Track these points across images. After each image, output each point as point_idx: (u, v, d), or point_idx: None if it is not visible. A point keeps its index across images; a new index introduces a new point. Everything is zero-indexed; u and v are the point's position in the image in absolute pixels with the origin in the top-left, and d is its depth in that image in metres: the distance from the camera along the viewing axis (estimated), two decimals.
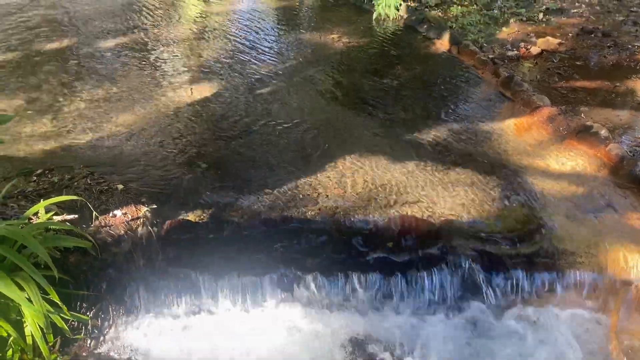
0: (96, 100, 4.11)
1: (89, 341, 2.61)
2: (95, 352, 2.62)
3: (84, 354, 2.59)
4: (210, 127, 3.80)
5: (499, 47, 5.08)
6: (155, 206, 2.84)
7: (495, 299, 2.80)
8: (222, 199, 3.02)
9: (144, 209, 2.81)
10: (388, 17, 5.98)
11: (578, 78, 4.61)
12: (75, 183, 2.93)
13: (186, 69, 4.73)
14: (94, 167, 3.15)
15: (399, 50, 5.33)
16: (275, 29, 5.83)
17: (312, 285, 2.74)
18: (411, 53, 5.29)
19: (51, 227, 2.52)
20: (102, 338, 2.65)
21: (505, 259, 2.82)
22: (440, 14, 5.87)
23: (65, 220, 2.61)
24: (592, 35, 5.33)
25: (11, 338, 2.25)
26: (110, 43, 5.20)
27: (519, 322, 2.84)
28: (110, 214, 2.76)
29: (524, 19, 5.63)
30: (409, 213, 2.95)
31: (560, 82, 4.53)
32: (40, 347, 2.21)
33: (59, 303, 2.27)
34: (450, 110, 4.18)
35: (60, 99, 4.10)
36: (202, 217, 2.87)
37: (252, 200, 3.01)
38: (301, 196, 3.06)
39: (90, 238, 2.51)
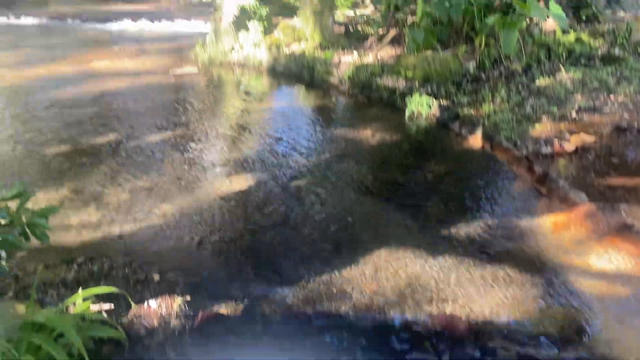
0: (138, 190, 4.32)
1: None
2: None
3: None
4: (246, 218, 3.92)
5: (533, 144, 5.18)
6: (189, 297, 2.89)
7: None
8: (255, 290, 3.06)
9: (178, 300, 2.85)
10: (421, 114, 6.19)
11: (615, 175, 4.62)
12: (114, 272, 3.03)
13: (225, 161, 4.96)
14: (132, 257, 3.26)
15: (432, 146, 5.48)
16: (311, 125, 6.11)
17: None
18: (444, 149, 5.42)
19: (87, 316, 2.58)
20: None
21: None
22: (472, 111, 6.07)
23: (102, 310, 2.68)
24: (627, 132, 5.39)
25: None
26: (154, 137, 5.53)
27: None
28: (145, 305, 2.82)
29: (557, 116, 5.77)
30: (446, 311, 2.91)
31: (597, 179, 4.54)
32: None
33: None
34: (485, 206, 4.21)
35: (105, 190, 4.33)
36: (235, 309, 2.89)
37: (286, 293, 3.03)
38: (335, 290, 3.06)
39: (122, 331, 2.55)
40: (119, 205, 4.08)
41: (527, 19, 7.60)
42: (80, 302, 2.66)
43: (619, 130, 5.47)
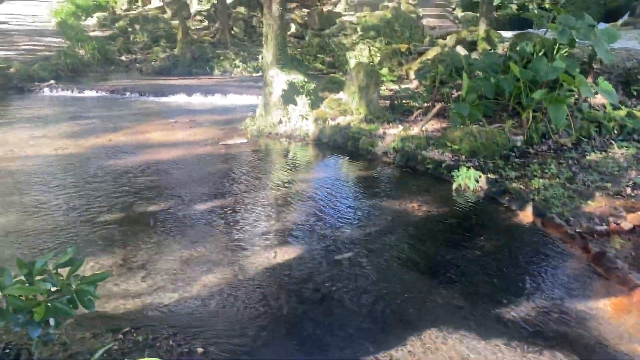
0: (185, 260, 4.40)
1: None
2: None
3: None
4: (291, 291, 3.89)
5: (586, 221, 5.01)
6: None
7: None
8: None
9: None
10: (468, 187, 6.14)
11: None
12: (158, 343, 3.04)
13: (270, 232, 5.01)
14: (177, 328, 3.27)
15: (480, 221, 5.38)
16: (356, 196, 6.14)
17: None
18: (493, 224, 5.32)
19: None
20: None
21: None
22: (521, 186, 5.97)
23: None
24: None
25: None
26: (203, 206, 5.68)
27: None
28: None
29: (611, 193, 5.60)
30: None
31: None
32: None
33: None
34: (538, 285, 4.04)
35: (153, 258, 4.43)
36: None
37: None
38: None
39: None
40: (165, 274, 4.15)
41: (575, 94, 7.58)
42: None
43: None
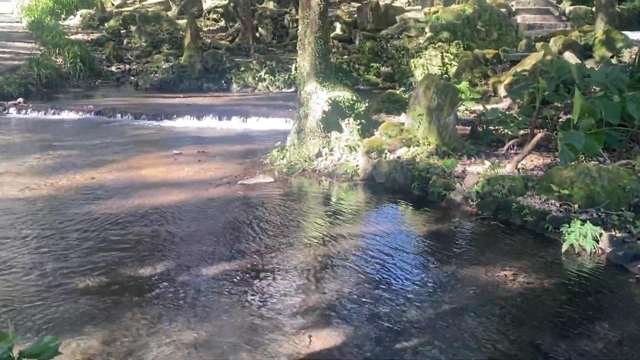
0: (187, 345, 4.41)
1: None
2: None
3: None
4: None
5: None
6: None
7: None
8: None
9: None
10: (583, 250, 6.01)
11: None
12: None
13: (303, 308, 4.98)
14: None
15: (601, 297, 5.24)
16: (423, 260, 6.06)
17: None
18: (621, 302, 5.16)
19: None
20: None
21: None
22: None
23: None
24: None
25: None
26: (212, 271, 5.72)
27: None
28: None
29: None
30: None
31: None
32: None
33: None
34: None
35: (144, 342, 4.45)
36: None
37: None
38: None
39: None
40: None
41: None
42: None
43: None
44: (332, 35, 17.14)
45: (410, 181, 8.18)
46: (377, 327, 4.70)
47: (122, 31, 21.81)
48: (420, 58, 15.67)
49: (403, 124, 9.58)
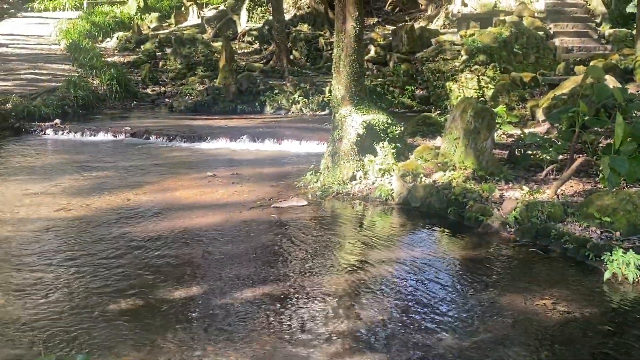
0: None
1: None
2: None
3: None
4: None
5: None
6: None
7: None
8: None
9: None
10: (626, 279, 5.91)
11: None
12: None
13: (336, 335, 4.94)
14: None
15: None
16: (459, 288, 5.99)
17: None
18: None
19: None
20: None
21: None
22: None
23: None
24: None
25: None
26: (243, 294, 5.72)
27: None
28: None
29: None
30: None
31: None
32: None
33: None
34: None
35: None
36: None
37: None
38: None
39: None
40: None
41: None
42: None
43: None
44: (366, 57, 17.20)
45: (446, 206, 8.11)
46: (412, 356, 4.64)
47: (157, 53, 22.21)
48: (456, 81, 15.64)
49: (439, 147, 9.53)
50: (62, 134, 13.97)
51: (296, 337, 4.92)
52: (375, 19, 25.16)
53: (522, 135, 10.08)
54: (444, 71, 16.29)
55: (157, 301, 5.56)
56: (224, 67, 17.61)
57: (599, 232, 6.83)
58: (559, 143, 9.23)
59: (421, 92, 16.73)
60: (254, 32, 24.18)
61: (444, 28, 21.59)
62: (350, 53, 9.45)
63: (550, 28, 17.43)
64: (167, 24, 27.90)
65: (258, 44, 23.69)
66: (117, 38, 25.08)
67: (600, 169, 7.73)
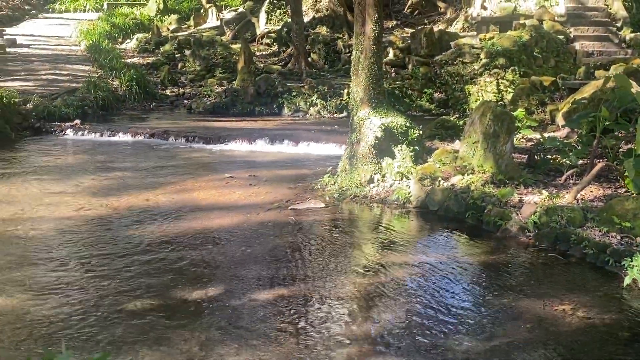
0: None
1: None
2: None
3: None
4: None
5: None
6: None
7: None
8: None
9: None
10: None
11: None
12: None
13: (353, 337, 4.96)
14: None
15: None
16: (477, 291, 5.99)
17: None
18: None
19: None
20: None
21: None
22: None
23: None
24: None
25: None
26: (261, 295, 5.74)
27: None
28: None
29: None
30: None
31: None
32: None
33: None
34: None
35: None
36: None
37: None
38: None
39: None
40: None
41: None
42: None
43: None
44: (385, 60, 17.17)
45: (465, 210, 8.09)
46: (432, 358, 4.64)
47: (176, 55, 22.29)
48: (475, 85, 15.57)
49: (457, 151, 9.51)
50: (82, 134, 14.06)
51: (313, 339, 4.93)
52: (394, 22, 25.09)
53: (541, 140, 10.02)
54: (462, 74, 16.22)
55: (175, 301, 5.60)
56: (242, 69, 17.67)
57: (619, 237, 6.79)
58: (579, 148, 9.18)
59: (440, 95, 16.67)
60: (273, 35, 24.23)
61: (463, 31, 21.49)
62: (369, 55, 9.45)
63: (570, 32, 17.30)
64: (186, 25, 28.01)
65: (276, 46, 23.72)
66: (137, 39, 25.21)
67: (624, 173, 7.68)
